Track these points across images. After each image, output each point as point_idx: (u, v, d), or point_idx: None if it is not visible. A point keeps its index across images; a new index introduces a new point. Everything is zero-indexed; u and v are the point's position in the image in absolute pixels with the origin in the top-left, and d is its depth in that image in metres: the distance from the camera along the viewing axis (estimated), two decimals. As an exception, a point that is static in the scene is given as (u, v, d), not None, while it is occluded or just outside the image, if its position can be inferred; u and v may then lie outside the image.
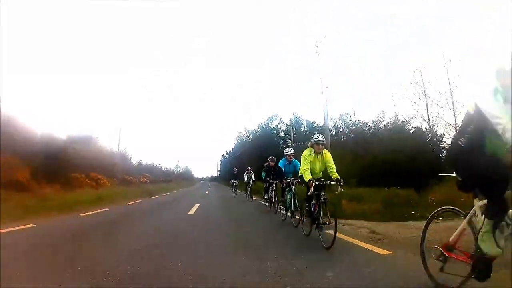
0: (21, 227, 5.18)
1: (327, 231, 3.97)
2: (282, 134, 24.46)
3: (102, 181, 15.69)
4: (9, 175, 11.22)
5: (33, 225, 5.48)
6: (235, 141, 34.78)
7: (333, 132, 18.01)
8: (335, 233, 3.68)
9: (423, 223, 2.70)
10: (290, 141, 19.11)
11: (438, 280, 2.35)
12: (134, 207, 10.33)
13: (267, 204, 8.76)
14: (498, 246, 2.07)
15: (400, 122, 14.28)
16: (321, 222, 3.97)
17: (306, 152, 4.49)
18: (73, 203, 9.06)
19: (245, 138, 30.57)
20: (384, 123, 15.63)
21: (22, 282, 2.00)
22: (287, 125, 21.75)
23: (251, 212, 8.81)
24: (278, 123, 25.21)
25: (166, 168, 43.32)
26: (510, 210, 2.07)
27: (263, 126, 26.11)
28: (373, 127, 15.56)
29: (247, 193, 12.75)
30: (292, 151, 6.90)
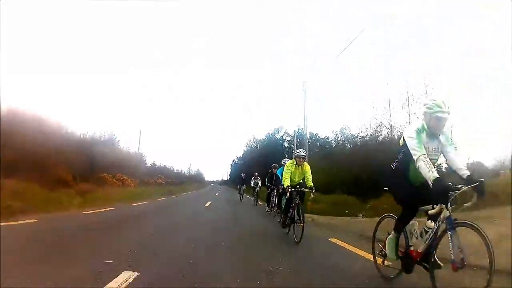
0: (89, 212, 7.36)
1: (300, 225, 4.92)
2: (286, 145, 26.61)
3: (126, 181, 17.87)
4: (54, 174, 13.38)
5: (95, 211, 7.68)
6: (245, 148, 36.88)
7: (334, 144, 19.69)
8: (303, 229, 4.76)
9: (353, 218, 4.59)
10: (294, 151, 20.88)
11: (382, 271, 2.94)
12: (166, 202, 13.38)
13: (267, 208, 9.62)
14: (397, 254, 2.66)
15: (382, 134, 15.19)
16: (294, 220, 5.02)
17: (289, 163, 5.45)
18: (114, 199, 11.24)
19: (254, 145, 32.87)
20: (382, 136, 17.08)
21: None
22: (291, 136, 23.74)
23: (252, 216, 9.80)
24: (284, 134, 27.48)
25: (178, 170, 45.38)
26: (414, 222, 2.60)
27: (270, 136, 28.68)
28: (369, 141, 16.92)
29: (254, 197, 13.55)
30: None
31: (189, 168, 44.78)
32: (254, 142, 32.76)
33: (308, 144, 15.63)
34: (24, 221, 5.66)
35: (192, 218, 8.21)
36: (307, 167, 5.44)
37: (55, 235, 4.73)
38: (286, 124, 30.61)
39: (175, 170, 42.26)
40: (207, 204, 12.59)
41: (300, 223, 4.91)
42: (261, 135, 34.46)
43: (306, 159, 5.57)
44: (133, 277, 2.70)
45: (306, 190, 5.25)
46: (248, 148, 34.88)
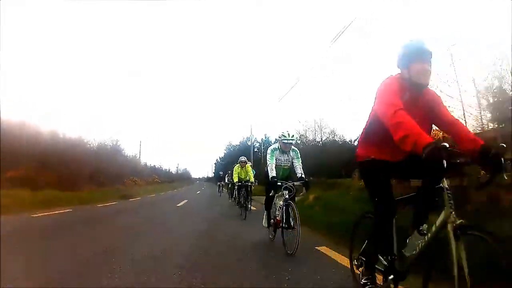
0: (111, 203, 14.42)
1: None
2: (256, 150, 34.84)
3: (137, 182, 24.94)
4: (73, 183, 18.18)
5: (117, 202, 15.10)
6: (225, 151, 45.23)
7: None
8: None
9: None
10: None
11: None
12: (178, 192, 20.99)
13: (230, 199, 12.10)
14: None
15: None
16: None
17: (236, 167, 6.82)
18: (134, 194, 18.35)
19: (231, 149, 41.48)
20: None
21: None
22: (259, 143, 32.33)
23: (222, 203, 11.76)
24: (254, 141, 35.74)
25: (167, 169, 51.74)
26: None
27: (244, 141, 37.55)
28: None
29: (228, 191, 14.76)
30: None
31: (177, 167, 51.88)
32: (231, 146, 41.52)
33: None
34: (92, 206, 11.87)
35: (197, 194, 16.22)
36: (249, 168, 8.19)
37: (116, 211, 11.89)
38: (257, 131, 39.36)
39: (163, 169, 48.95)
40: (198, 192, 22.51)
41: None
42: (236, 141, 42.62)
43: (248, 163, 8.37)
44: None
45: (249, 184, 7.52)
46: (227, 151, 43.67)
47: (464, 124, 2.19)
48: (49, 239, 4.18)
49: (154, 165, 43.38)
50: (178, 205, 11.20)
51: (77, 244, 3.83)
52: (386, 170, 1.72)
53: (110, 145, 25.76)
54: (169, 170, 51.35)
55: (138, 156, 31.90)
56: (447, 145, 1.24)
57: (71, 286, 2.25)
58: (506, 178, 1.34)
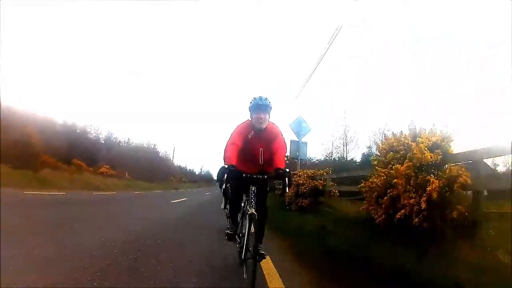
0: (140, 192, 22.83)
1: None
2: None
3: (173, 180, 33.42)
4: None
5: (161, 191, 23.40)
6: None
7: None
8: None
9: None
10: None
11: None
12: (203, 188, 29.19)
13: None
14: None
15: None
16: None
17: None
18: (180, 187, 26.56)
19: None
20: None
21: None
22: None
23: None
24: None
25: (191, 170, 60.13)
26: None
27: None
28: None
29: None
30: None
31: (201, 169, 60.24)
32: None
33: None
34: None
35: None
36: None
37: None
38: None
39: (187, 169, 57.08)
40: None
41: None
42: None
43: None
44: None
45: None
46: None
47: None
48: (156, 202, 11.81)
49: (179, 165, 49.40)
50: (206, 193, 19.20)
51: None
52: (240, 176, 2.33)
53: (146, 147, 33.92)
54: (193, 170, 59.86)
55: (172, 159, 40.57)
56: (232, 166, 2.10)
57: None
58: (287, 191, 2.20)
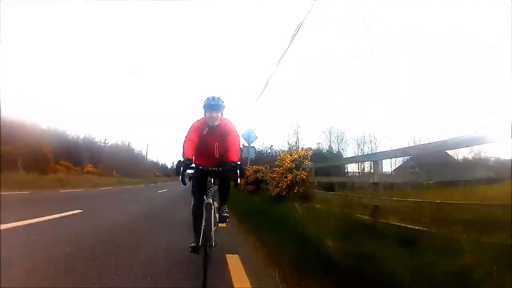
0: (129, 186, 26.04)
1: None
2: None
3: (150, 174, 35.97)
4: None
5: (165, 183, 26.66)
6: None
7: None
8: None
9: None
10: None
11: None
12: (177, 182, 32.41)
13: None
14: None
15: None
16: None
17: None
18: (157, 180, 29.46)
19: None
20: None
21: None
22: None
23: None
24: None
25: (163, 164, 61.95)
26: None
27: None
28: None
29: None
30: None
31: (173, 163, 61.98)
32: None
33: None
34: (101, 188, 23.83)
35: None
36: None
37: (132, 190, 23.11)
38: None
39: (160, 164, 58.89)
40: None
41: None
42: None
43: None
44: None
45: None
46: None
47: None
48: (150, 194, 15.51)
49: (151, 160, 51.54)
50: (180, 185, 22.62)
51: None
52: (197, 169, 2.56)
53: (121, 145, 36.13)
54: (165, 165, 61.74)
55: (146, 155, 42.74)
56: (188, 160, 2.37)
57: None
58: (240, 182, 2.53)
